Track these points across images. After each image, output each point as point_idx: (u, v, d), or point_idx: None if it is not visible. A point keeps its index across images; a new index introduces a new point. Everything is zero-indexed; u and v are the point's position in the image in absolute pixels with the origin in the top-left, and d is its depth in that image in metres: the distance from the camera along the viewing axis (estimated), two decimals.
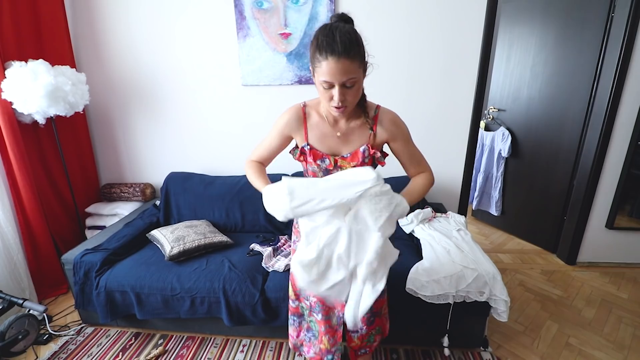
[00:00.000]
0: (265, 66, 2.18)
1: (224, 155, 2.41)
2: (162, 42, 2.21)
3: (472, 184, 3.04)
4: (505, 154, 2.78)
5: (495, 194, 2.94)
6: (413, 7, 2.03)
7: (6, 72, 1.80)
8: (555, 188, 2.53)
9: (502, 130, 2.81)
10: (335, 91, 0.88)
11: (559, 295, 2.12)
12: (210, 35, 2.18)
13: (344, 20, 0.90)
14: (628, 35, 1.98)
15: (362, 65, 0.89)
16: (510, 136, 2.75)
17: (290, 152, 1.14)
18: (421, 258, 1.65)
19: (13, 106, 1.84)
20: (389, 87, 2.16)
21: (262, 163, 1.14)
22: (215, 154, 2.42)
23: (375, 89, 2.11)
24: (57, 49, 2.14)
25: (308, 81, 2.18)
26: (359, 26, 0.94)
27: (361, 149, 1.03)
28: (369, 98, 1.05)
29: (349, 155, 1.04)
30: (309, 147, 1.05)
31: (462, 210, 2.37)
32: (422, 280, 1.49)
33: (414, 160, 1.09)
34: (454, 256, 1.59)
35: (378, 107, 1.05)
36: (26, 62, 1.86)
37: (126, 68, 2.28)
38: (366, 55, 0.90)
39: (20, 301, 1.71)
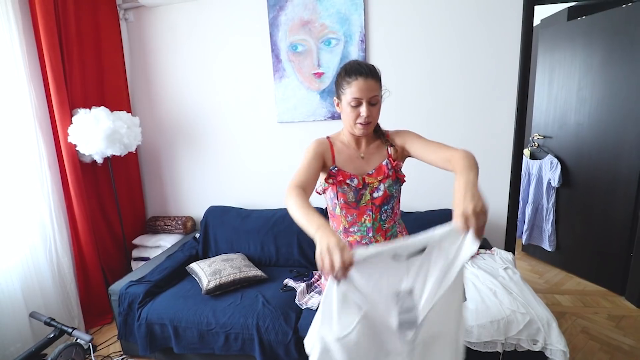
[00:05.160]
0: (300, 104, 2.27)
1: (260, 189, 2.48)
2: (204, 85, 2.41)
3: (520, 216, 2.83)
4: (555, 183, 2.58)
5: (548, 227, 2.71)
6: (447, 37, 2.05)
7: (73, 118, 2.04)
8: (616, 221, 2.28)
9: (549, 158, 2.63)
10: (363, 107, 1.04)
11: (631, 346, 1.83)
12: (249, 78, 2.33)
13: None
14: None
15: (380, 90, 1.07)
16: (559, 164, 2.56)
17: (316, 192, 1.13)
18: (464, 299, 1.53)
19: (76, 148, 2.06)
20: (425, 117, 2.14)
21: (305, 190, 1.06)
22: (252, 188, 2.50)
23: (411, 119, 2.12)
24: (117, 96, 2.40)
25: (340, 116, 2.21)
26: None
27: (384, 163, 1.13)
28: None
29: (373, 171, 1.13)
30: (336, 168, 1.12)
31: (509, 246, 2.20)
32: (466, 325, 1.37)
33: (435, 145, 1.06)
34: (502, 298, 1.46)
35: (387, 131, 1.21)
36: (90, 109, 2.09)
37: (173, 110, 2.49)
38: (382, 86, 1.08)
39: (70, 330, 1.79)
